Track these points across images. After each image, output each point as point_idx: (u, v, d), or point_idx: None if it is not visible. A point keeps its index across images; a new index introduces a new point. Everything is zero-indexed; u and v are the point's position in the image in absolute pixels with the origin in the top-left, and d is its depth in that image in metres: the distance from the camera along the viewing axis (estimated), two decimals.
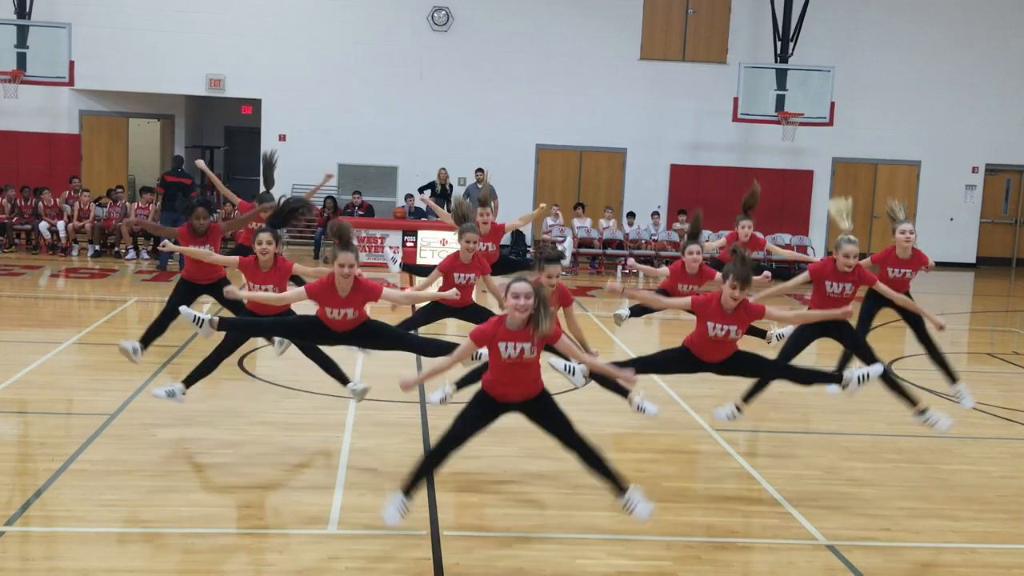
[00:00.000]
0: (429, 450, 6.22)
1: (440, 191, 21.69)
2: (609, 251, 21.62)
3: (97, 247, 20.12)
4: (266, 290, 7.95)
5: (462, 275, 8.70)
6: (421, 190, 21.81)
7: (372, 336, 7.22)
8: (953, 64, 24.21)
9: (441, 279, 8.75)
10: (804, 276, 8.05)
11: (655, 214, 22.57)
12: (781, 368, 7.60)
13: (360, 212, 21.31)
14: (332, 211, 21.41)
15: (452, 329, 12.16)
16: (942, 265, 24.64)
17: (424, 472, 6.21)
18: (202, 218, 8.99)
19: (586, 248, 21.63)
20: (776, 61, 22.58)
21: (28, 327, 13.46)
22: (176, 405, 9.33)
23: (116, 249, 20.34)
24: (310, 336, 7.36)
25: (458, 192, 22.12)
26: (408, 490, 6.17)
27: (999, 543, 6.96)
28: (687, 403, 10.13)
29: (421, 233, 20.25)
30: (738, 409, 8.27)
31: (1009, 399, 11.10)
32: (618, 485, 6.20)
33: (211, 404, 9.80)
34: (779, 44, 22.71)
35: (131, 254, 19.92)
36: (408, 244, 20.22)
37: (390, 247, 19.02)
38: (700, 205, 22.81)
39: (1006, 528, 7.25)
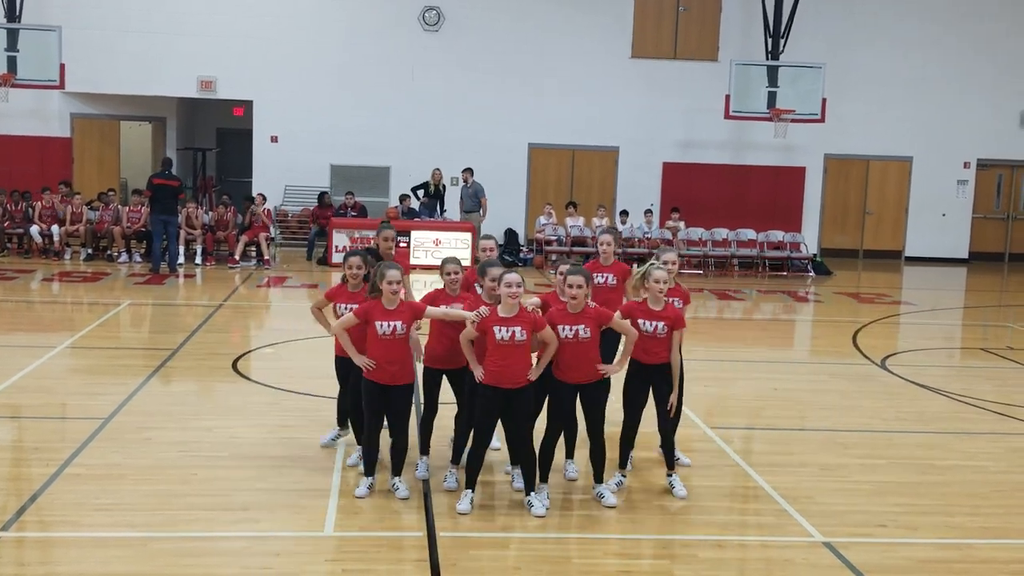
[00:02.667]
0: (471, 452, 7.06)
1: (433, 192, 21.65)
2: None
3: (89, 250, 20.06)
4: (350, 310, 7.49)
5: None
6: (414, 190, 21.77)
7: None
8: (944, 59, 24.24)
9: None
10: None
11: (648, 212, 22.57)
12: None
13: (353, 213, 21.28)
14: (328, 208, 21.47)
15: None
16: (935, 261, 24.77)
17: (476, 470, 7.05)
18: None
19: (579, 247, 21.62)
20: (767, 58, 22.58)
21: (21, 331, 13.42)
22: (174, 409, 9.34)
23: (109, 252, 20.26)
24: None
25: (452, 192, 22.07)
26: (473, 486, 7.03)
27: (996, 538, 6.97)
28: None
29: (414, 233, 20.22)
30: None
31: (1003, 394, 11.11)
32: (532, 486, 7.09)
33: (206, 407, 9.79)
34: (770, 41, 22.71)
35: (123, 257, 19.84)
36: (401, 244, 20.19)
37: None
38: (692, 202, 23.12)
39: (1002, 523, 7.26)
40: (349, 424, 8.04)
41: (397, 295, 7.05)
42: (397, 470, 7.30)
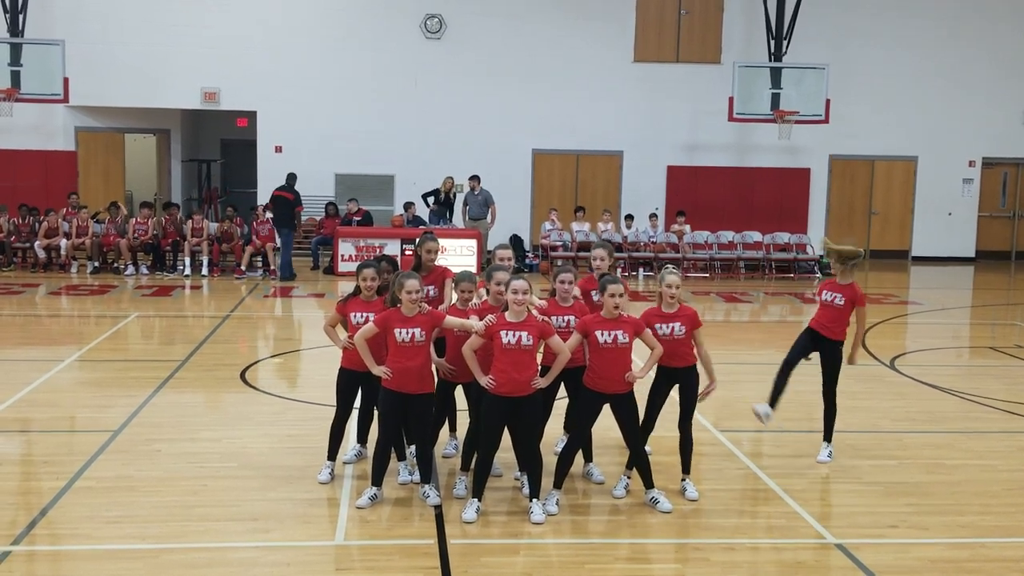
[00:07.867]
0: (478, 460, 7.09)
1: (444, 199, 21.61)
2: None
3: (96, 263, 20.08)
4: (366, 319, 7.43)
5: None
6: (424, 197, 21.72)
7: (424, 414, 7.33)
8: (947, 58, 24.22)
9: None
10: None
11: (653, 216, 22.55)
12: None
13: (358, 221, 21.30)
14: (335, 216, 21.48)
15: None
16: (942, 260, 24.72)
17: (483, 478, 7.08)
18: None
19: (585, 252, 21.60)
20: (770, 60, 22.57)
21: (29, 345, 13.44)
22: (183, 420, 9.34)
23: (115, 265, 20.30)
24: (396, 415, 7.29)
25: (460, 199, 22.03)
26: (480, 495, 7.06)
27: (1007, 537, 6.96)
28: None
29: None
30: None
31: (1012, 392, 11.09)
32: (537, 492, 7.08)
33: (214, 417, 9.80)
34: (773, 43, 22.70)
35: (130, 270, 19.87)
36: (407, 252, 20.18)
37: None
38: (698, 206, 23.11)
39: (1013, 522, 7.24)
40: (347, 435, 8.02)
41: (416, 304, 7.05)
42: (426, 478, 7.35)
